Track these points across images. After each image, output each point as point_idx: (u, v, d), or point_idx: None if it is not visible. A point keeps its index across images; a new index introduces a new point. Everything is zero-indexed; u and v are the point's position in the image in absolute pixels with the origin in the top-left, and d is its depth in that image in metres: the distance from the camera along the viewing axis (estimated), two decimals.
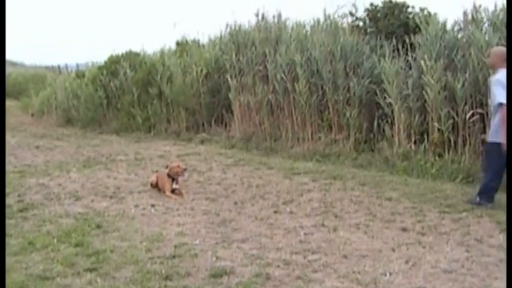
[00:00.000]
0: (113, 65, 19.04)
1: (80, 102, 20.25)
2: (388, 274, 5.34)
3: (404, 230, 6.83)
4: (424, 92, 10.56)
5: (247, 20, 15.32)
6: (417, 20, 11.60)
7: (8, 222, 7.43)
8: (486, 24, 10.61)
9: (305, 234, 6.73)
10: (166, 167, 9.25)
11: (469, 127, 10.16)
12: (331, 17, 13.54)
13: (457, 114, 10.21)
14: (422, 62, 10.52)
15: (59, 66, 33.59)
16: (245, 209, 7.98)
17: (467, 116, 10.06)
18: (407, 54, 11.19)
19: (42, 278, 5.37)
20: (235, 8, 18.39)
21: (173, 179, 9.01)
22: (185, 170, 9.35)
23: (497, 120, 7.56)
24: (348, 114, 11.82)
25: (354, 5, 13.70)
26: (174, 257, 5.93)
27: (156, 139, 16.00)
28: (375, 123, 11.54)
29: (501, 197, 7.64)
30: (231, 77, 14.59)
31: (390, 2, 13.12)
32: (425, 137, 10.69)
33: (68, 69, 30.22)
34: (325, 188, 9.16)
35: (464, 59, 10.27)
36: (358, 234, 6.69)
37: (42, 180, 10.29)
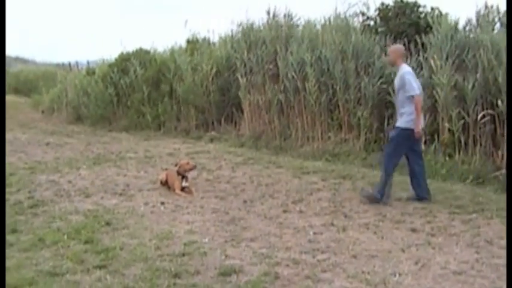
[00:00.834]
0: (123, 63, 19.07)
1: (90, 99, 20.29)
2: (397, 275, 5.33)
3: (413, 230, 6.81)
4: (434, 92, 10.52)
5: (258, 18, 15.31)
6: (429, 20, 11.56)
7: (19, 218, 7.48)
8: (498, 25, 10.57)
9: (314, 233, 6.72)
10: (176, 165, 9.27)
11: (479, 128, 10.11)
12: (342, 16, 13.52)
13: (467, 115, 10.17)
14: (432, 62, 10.48)
15: (69, 64, 33.63)
16: (254, 208, 7.99)
17: (479, 117, 10.02)
18: (418, 54, 11.15)
19: (52, 275, 5.39)
20: (246, 6, 18.38)
21: (183, 177, 9.02)
22: (195, 166, 9.37)
23: (408, 110, 7.99)
24: (358, 113, 11.79)
25: (365, 4, 13.69)
26: (183, 254, 5.94)
27: (166, 137, 16.02)
28: (385, 123, 11.50)
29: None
30: (241, 76, 14.59)
31: (401, 1, 13.09)
32: (436, 137, 10.65)
33: (78, 67, 30.25)
34: (335, 188, 9.15)
35: (475, 59, 10.22)
36: (367, 234, 6.68)
37: (52, 177, 10.33)
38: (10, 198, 8.59)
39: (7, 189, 9.16)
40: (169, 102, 16.97)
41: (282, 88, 13.56)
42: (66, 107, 22.87)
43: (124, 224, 7.16)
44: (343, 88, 12.18)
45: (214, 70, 15.75)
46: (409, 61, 11.02)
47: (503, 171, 9.17)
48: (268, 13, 14.83)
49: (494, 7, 10.69)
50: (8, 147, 13.96)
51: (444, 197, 8.43)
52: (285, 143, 13.23)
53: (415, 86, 7.97)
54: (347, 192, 8.89)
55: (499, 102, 9.52)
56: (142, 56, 18.92)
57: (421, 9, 12.80)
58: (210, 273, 5.40)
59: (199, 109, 16.17)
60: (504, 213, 7.33)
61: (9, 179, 9.93)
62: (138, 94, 17.94)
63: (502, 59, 9.47)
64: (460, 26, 11.04)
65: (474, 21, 10.89)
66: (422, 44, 11.17)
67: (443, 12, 11.86)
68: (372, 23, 13.49)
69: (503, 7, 10.49)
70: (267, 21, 14.85)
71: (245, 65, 14.55)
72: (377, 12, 13.43)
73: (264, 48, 14.16)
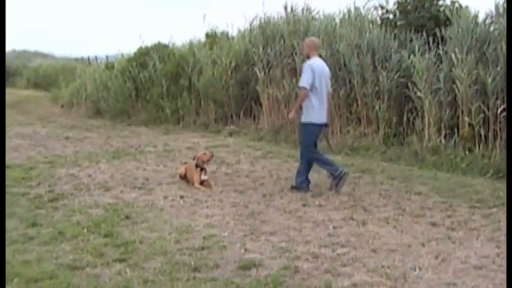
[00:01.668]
0: (142, 57, 19.13)
1: (109, 93, 20.39)
2: (417, 269, 5.30)
3: (434, 224, 6.77)
4: (454, 86, 10.45)
5: (276, 12, 15.30)
6: (448, 13, 11.47)
7: (39, 212, 7.52)
8: None
9: (334, 227, 6.70)
10: (194, 158, 9.27)
11: (500, 122, 10.03)
12: (359, 10, 13.46)
13: (488, 109, 10.10)
14: (453, 56, 10.40)
15: (88, 58, 33.89)
16: (274, 202, 7.98)
17: (499, 110, 9.94)
18: (437, 48, 11.08)
19: (72, 268, 5.41)
20: (265, 0, 18.37)
21: (201, 169, 9.02)
22: (212, 156, 9.38)
23: (306, 103, 8.46)
24: (376, 107, 11.75)
25: None
26: (202, 248, 5.94)
27: (185, 131, 16.06)
28: (404, 117, 11.45)
29: None
30: (259, 70, 14.57)
31: None
32: (456, 131, 10.58)
33: (97, 61, 30.46)
34: (354, 182, 9.11)
35: (495, 52, 10.14)
36: (387, 228, 6.65)
37: (72, 170, 10.37)
38: (30, 192, 8.64)
39: (27, 183, 9.24)
40: (188, 96, 17.01)
41: None
42: (85, 101, 22.99)
43: (143, 218, 7.18)
44: (360, 82, 12.15)
45: (233, 64, 15.78)
46: (428, 55, 10.97)
47: None
48: (286, 8, 14.83)
49: None
50: (28, 142, 14.07)
51: (464, 191, 8.38)
52: None
53: (308, 80, 8.37)
54: (366, 186, 8.85)
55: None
56: (161, 50, 18.98)
57: (440, 2, 12.68)
58: (229, 267, 5.40)
59: (218, 103, 16.18)
60: None
61: (29, 173, 10.00)
62: (157, 88, 17.99)
63: None
64: (480, 19, 10.94)
65: (494, 13, 10.78)
66: (442, 38, 11.09)
67: (463, 5, 11.78)
68: (391, 16, 13.40)
69: None
70: (286, 15, 14.84)
71: (263, 60, 14.54)
72: (396, 5, 13.33)
73: (282, 43, 14.15)
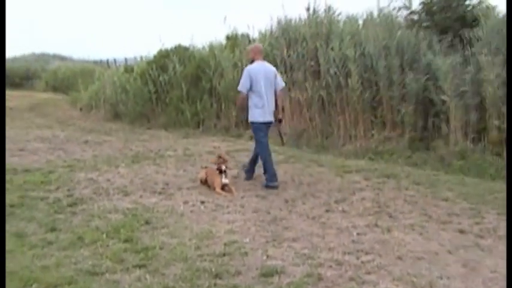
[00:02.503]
0: (161, 59, 19.20)
1: (128, 96, 20.46)
2: (444, 278, 5.26)
3: (461, 232, 6.72)
4: (481, 89, 10.36)
5: (297, 14, 15.30)
6: (476, 13, 11.39)
7: (57, 216, 7.55)
8: None
9: (358, 234, 6.67)
10: (218, 157, 9.36)
11: None
12: (385, 11, 13.43)
13: None
14: (481, 57, 10.32)
15: (107, 61, 34.10)
16: (296, 207, 7.96)
17: None
18: (463, 49, 11.00)
19: (91, 274, 5.44)
20: (285, 1, 18.34)
21: (221, 172, 9.03)
22: (226, 161, 9.40)
23: (250, 103, 9.37)
24: (402, 111, 11.68)
25: None
26: (223, 255, 5.94)
27: (205, 135, 16.08)
28: (430, 121, 11.38)
29: None
30: (281, 73, 14.54)
31: None
32: (483, 135, 10.49)
33: (116, 64, 30.62)
34: (378, 187, 9.07)
35: None
36: (413, 235, 6.60)
37: (91, 175, 10.42)
38: (49, 196, 8.69)
39: (46, 187, 9.28)
40: (208, 100, 17.04)
41: (323, 85, 13.50)
42: (104, 104, 23.08)
43: (163, 223, 7.19)
44: (386, 84, 12.10)
45: None
46: (454, 57, 10.90)
47: None
48: (308, 9, 14.81)
49: None
50: (47, 145, 14.15)
51: (493, 197, 8.30)
52: (326, 141, 13.18)
53: (245, 84, 9.27)
54: (391, 191, 8.80)
55: None
56: (181, 52, 19.04)
57: (467, 2, 12.59)
58: (251, 274, 5.39)
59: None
60: None
61: (48, 177, 10.05)
62: (177, 91, 18.04)
63: None
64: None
65: None
66: (469, 39, 11.01)
67: (492, 4, 11.70)
68: (416, 17, 13.33)
69: None
70: (308, 16, 14.82)
71: (285, 62, 14.53)
72: (421, 6, 13.25)
73: (305, 45, 14.13)
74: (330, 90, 13.28)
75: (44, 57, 52.24)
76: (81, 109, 25.29)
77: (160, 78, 18.79)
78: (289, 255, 5.95)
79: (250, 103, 9.39)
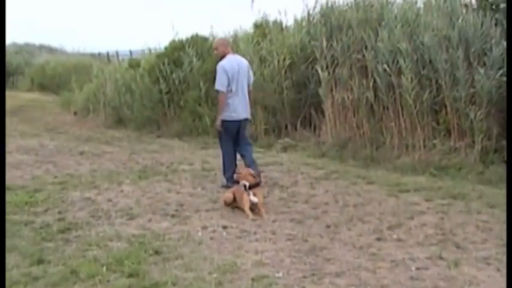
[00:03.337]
0: (175, 52, 19.26)
1: (134, 98, 20.59)
2: None
3: None
4: None
5: None
6: None
7: (46, 245, 7.63)
8: None
9: (417, 268, 6.64)
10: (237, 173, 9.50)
11: None
12: None
13: None
14: None
15: (107, 54, 34.27)
16: (340, 235, 7.96)
17: None
18: None
19: None
20: None
21: (245, 188, 9.08)
22: (254, 176, 9.46)
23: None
24: (472, 115, 11.60)
25: None
26: None
27: None
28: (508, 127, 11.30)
29: None
30: (322, 69, 14.54)
31: None
32: None
33: (118, 58, 30.79)
34: (443, 210, 9.02)
35: None
36: (487, 271, 6.55)
37: (87, 194, 10.51)
38: (36, 220, 8.78)
39: (32, 209, 9.41)
40: None
41: (372, 84, 13.45)
42: (104, 107, 23.25)
43: (177, 253, 7.23)
44: (450, 83, 12.01)
45: (288, 61, 15.77)
46: None
47: None
48: None
49: None
50: (33, 157, 14.32)
51: None
52: (377, 153, 13.12)
53: (223, 81, 10.48)
54: (459, 216, 8.74)
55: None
56: (199, 44, 19.07)
57: None
58: None
59: (270, 110, 16.19)
60: None
61: (34, 197, 10.16)
62: (193, 91, 18.08)
63: None
64: None
65: None
66: None
67: None
68: None
69: None
70: (354, 0, 14.77)
71: (326, 56, 14.49)
72: None
73: (351, 34, 14.07)
74: (380, 91, 13.21)
75: (28, 49, 52.61)
76: (75, 113, 25.51)
77: (174, 76, 18.84)
78: None
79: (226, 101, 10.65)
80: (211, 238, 7.88)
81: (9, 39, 53.09)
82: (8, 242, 7.55)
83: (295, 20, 17.33)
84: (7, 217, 8.74)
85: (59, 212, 9.26)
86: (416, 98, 12.42)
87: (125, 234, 8.02)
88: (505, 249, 7.21)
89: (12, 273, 6.58)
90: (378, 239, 7.72)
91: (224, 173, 10.93)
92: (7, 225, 8.32)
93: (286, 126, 16.00)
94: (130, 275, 6.49)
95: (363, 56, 13.65)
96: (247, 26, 19.42)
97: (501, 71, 11.32)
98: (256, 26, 18.50)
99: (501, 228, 8.04)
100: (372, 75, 13.36)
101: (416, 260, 6.89)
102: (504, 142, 11.31)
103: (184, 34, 20.07)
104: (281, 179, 11.44)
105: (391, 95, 13.10)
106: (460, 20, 12.02)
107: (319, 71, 14.56)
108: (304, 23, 16.47)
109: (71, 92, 28.04)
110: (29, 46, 54.37)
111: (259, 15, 18.76)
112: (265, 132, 16.23)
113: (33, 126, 21.82)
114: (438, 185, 10.64)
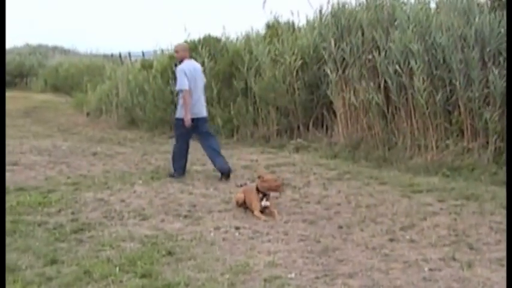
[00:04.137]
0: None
1: (146, 99, 20.62)
2: None
3: None
4: None
5: None
6: None
7: (59, 245, 7.61)
8: None
9: (430, 269, 6.61)
10: (259, 178, 9.24)
11: None
12: None
13: None
14: None
15: (120, 55, 34.32)
16: (352, 235, 7.92)
17: None
18: None
19: None
20: None
21: (264, 195, 9.01)
22: (282, 184, 9.37)
23: (181, 102, 11.72)
24: (485, 115, 11.55)
25: None
26: None
27: (240, 145, 16.14)
28: None
29: None
30: (331, 69, 14.51)
31: None
32: None
33: (131, 59, 30.82)
34: (456, 211, 8.98)
35: None
36: (501, 272, 6.50)
37: (100, 194, 10.51)
38: (49, 220, 8.78)
39: (46, 210, 9.39)
40: (244, 103, 17.05)
41: (384, 84, 13.41)
42: (117, 108, 23.30)
43: (190, 254, 7.21)
44: (464, 83, 11.96)
45: (299, 62, 15.75)
46: None
47: None
48: None
49: None
50: (46, 158, 14.32)
51: None
52: (389, 154, 13.10)
53: (185, 82, 11.61)
54: (472, 217, 8.70)
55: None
56: (211, 44, 19.05)
57: None
58: None
59: (282, 111, 16.19)
60: None
61: (48, 197, 10.15)
62: (206, 92, 18.06)
63: None
64: None
65: None
66: None
67: None
68: None
69: None
70: (365, 0, 14.71)
71: (336, 56, 14.44)
72: None
73: (360, 35, 14.03)
74: (392, 91, 13.17)
75: (41, 50, 52.72)
76: (88, 114, 25.58)
77: None
78: None
79: (180, 101, 11.84)
80: (224, 239, 7.86)
81: (22, 41, 53.25)
82: (22, 243, 7.56)
83: (308, 21, 17.31)
84: (21, 218, 8.77)
85: (72, 213, 9.26)
86: (428, 98, 12.38)
87: (137, 235, 8.01)
88: None
89: (26, 274, 6.58)
90: (391, 240, 7.69)
91: (173, 164, 12.01)
92: (21, 226, 8.33)
93: (298, 127, 16.00)
94: (143, 276, 6.47)
95: (373, 56, 13.62)
96: (259, 27, 19.44)
97: None
98: (268, 26, 18.50)
99: None
100: (383, 76, 13.32)
101: (429, 261, 6.86)
102: None
103: (196, 35, 20.11)
104: (293, 180, 11.43)
105: (403, 96, 13.07)
106: (476, 19, 11.97)
107: (329, 72, 14.53)
108: (315, 24, 16.43)
109: (84, 93, 28.10)
110: (42, 47, 54.49)
111: (271, 16, 18.81)
112: (278, 133, 16.24)
113: (46, 127, 21.87)
114: (451, 185, 10.61)
